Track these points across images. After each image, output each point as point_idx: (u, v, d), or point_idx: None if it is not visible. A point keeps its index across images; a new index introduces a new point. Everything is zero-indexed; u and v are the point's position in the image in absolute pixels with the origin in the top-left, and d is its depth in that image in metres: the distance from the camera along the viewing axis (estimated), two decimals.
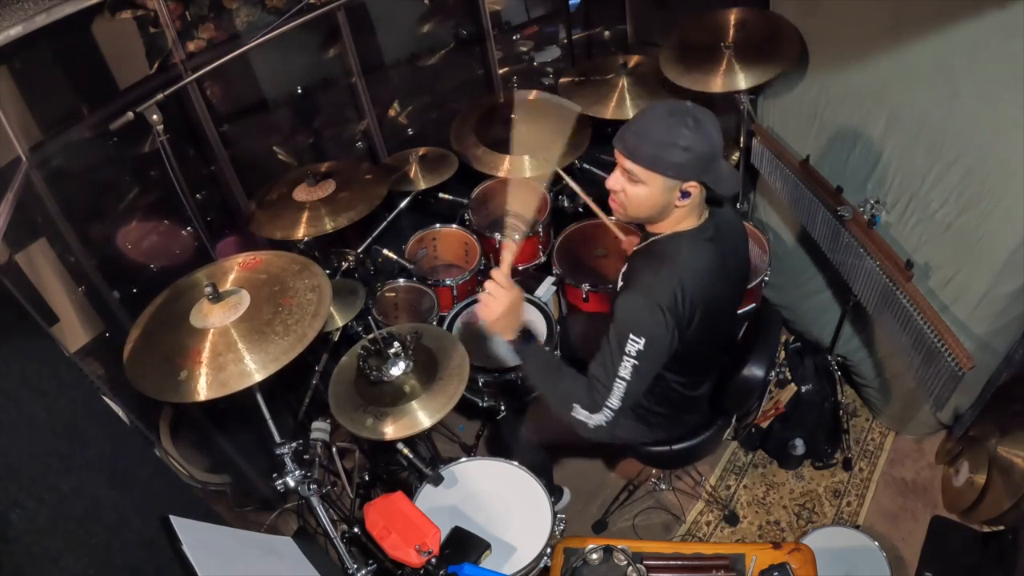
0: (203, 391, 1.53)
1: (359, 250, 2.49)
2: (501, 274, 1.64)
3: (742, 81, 2.36)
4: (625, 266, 1.71)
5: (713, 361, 1.87)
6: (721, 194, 1.57)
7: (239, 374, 1.55)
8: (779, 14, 2.47)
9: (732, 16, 2.52)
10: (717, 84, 2.38)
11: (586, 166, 2.96)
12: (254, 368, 1.56)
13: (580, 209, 2.94)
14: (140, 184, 2.46)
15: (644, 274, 1.57)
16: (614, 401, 1.55)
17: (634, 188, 1.53)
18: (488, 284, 1.64)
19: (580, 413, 1.60)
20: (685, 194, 1.51)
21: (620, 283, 1.69)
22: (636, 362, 1.51)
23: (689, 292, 1.52)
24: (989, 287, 2.01)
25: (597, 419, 1.59)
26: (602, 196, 2.29)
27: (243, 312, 1.66)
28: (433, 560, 1.58)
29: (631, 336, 1.50)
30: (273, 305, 1.67)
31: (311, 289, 1.71)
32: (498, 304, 1.62)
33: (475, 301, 2.56)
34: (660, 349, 1.53)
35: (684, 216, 1.58)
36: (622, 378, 1.53)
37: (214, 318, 1.64)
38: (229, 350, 1.58)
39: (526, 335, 1.68)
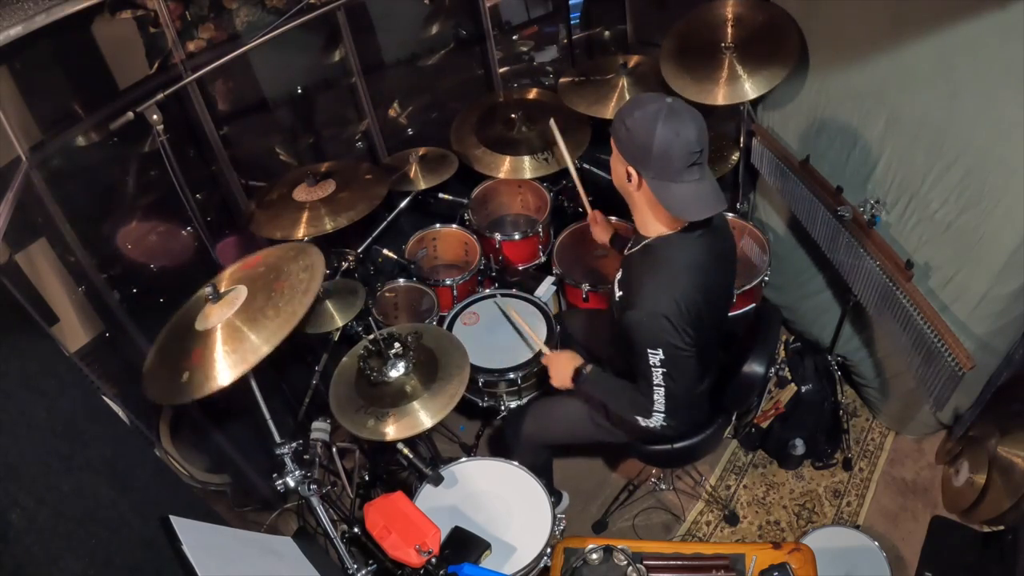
0: (202, 386, 1.53)
1: (359, 250, 2.49)
2: (548, 352, 2.05)
3: (747, 90, 2.32)
4: (620, 272, 1.74)
5: (711, 355, 1.88)
6: (668, 210, 1.54)
7: (234, 363, 1.54)
8: (776, 4, 2.44)
9: (728, 10, 2.48)
10: (720, 95, 2.33)
11: (586, 166, 2.96)
12: (250, 349, 1.55)
13: (580, 209, 2.94)
14: (140, 184, 2.46)
15: (642, 286, 1.61)
16: (659, 406, 1.68)
17: (612, 153, 1.62)
18: (547, 361, 2.01)
19: (641, 420, 1.75)
20: (629, 176, 1.57)
21: (618, 291, 1.72)
22: (664, 369, 1.61)
23: (689, 293, 1.57)
24: (989, 287, 2.01)
25: (652, 422, 1.73)
26: (600, 196, 2.32)
27: (240, 305, 1.66)
28: (433, 560, 1.59)
29: (649, 351, 1.59)
30: (267, 292, 1.66)
31: (304, 269, 1.70)
32: (557, 369, 1.95)
33: (474, 301, 2.57)
34: (680, 351, 1.60)
35: (653, 210, 1.61)
36: (659, 385, 1.65)
37: (214, 318, 1.64)
38: (224, 343, 1.58)
39: (578, 373, 1.90)
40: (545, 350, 2.09)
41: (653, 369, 1.61)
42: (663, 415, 1.69)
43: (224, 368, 1.53)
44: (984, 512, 2.24)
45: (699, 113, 1.50)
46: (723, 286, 1.77)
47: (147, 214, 2.47)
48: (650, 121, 1.46)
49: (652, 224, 1.65)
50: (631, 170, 1.55)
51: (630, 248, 1.76)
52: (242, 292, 1.69)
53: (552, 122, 2.29)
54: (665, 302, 1.55)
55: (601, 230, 2.24)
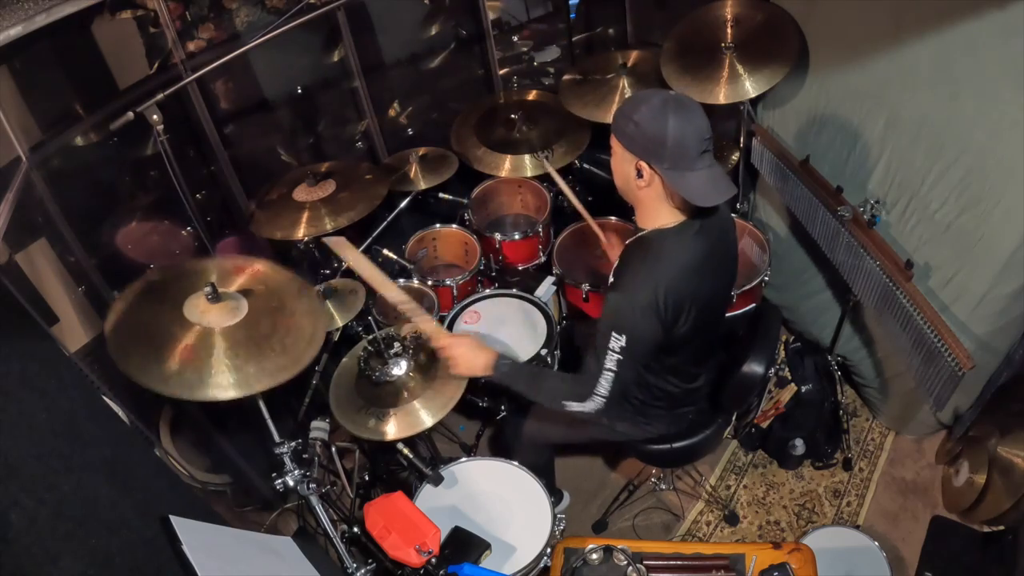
0: (195, 390, 1.51)
1: (359, 250, 2.49)
2: (440, 339, 1.81)
3: (748, 88, 2.31)
4: (617, 262, 1.74)
5: (707, 354, 1.89)
6: (689, 199, 1.54)
7: (236, 382, 1.53)
8: (776, 4, 2.44)
9: (728, 10, 2.48)
10: (722, 95, 2.33)
11: (585, 166, 2.96)
12: (255, 377, 1.54)
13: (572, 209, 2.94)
14: (140, 184, 2.46)
15: (628, 273, 1.62)
16: (603, 390, 1.65)
17: (612, 155, 1.63)
18: (442, 352, 1.81)
19: (573, 406, 1.71)
20: (639, 173, 1.56)
21: (611, 278, 1.72)
22: (620, 357, 1.60)
23: (673, 291, 1.57)
24: (989, 287, 2.01)
25: (589, 407, 1.69)
26: (600, 196, 2.31)
27: (241, 319, 1.64)
28: (433, 560, 1.59)
29: (613, 333, 1.58)
30: (271, 321, 1.66)
31: (306, 313, 1.70)
32: (462, 356, 1.77)
33: (475, 301, 2.57)
34: (642, 344, 1.61)
35: (658, 206, 1.61)
36: (609, 370, 1.62)
37: (210, 317, 1.63)
38: (226, 357, 1.57)
39: (498, 363, 1.77)
40: (442, 338, 1.82)
41: (610, 352, 1.60)
42: (604, 400, 1.66)
43: (225, 384, 1.52)
44: (984, 512, 2.24)
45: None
46: (717, 288, 1.76)
47: (147, 214, 2.47)
48: (659, 113, 1.47)
49: (655, 219, 1.65)
50: (642, 166, 1.54)
51: (630, 240, 1.76)
52: (243, 305, 1.68)
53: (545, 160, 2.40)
54: (644, 293, 1.56)
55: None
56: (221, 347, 1.57)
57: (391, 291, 1.81)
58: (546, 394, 1.76)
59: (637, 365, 1.65)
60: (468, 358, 1.78)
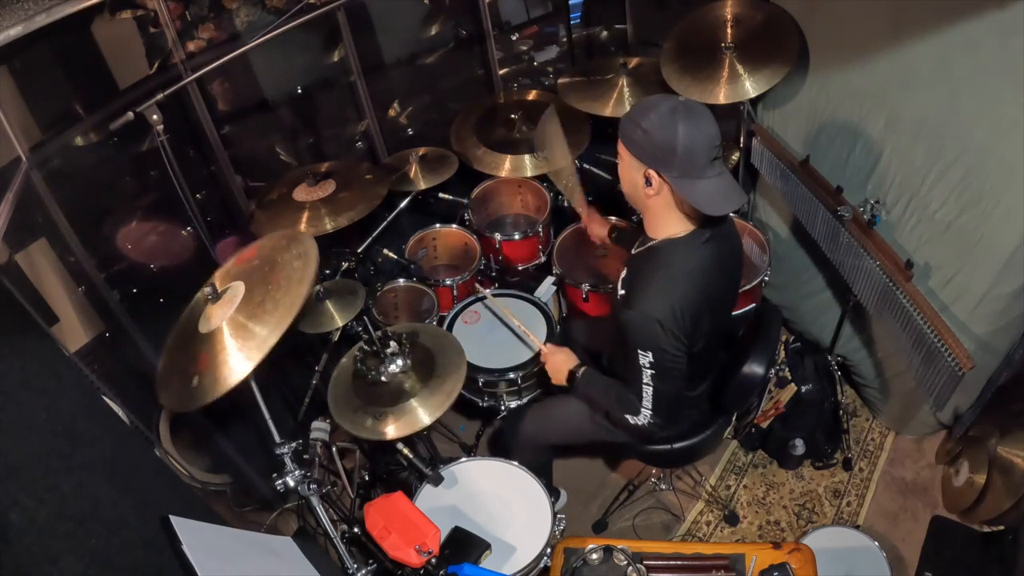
0: (212, 390, 1.50)
1: (359, 250, 2.49)
2: (546, 347, 2.05)
3: (748, 88, 2.31)
4: (624, 271, 1.74)
5: (711, 359, 1.89)
6: (699, 208, 1.52)
7: (239, 361, 1.51)
8: (776, 4, 2.43)
9: (728, 10, 2.48)
10: (722, 95, 2.32)
11: (586, 166, 2.96)
12: (255, 345, 1.51)
13: (567, 203, 2.94)
14: (140, 184, 2.46)
15: (641, 288, 1.61)
16: (647, 403, 1.70)
17: (619, 161, 1.62)
18: (545, 359, 2.02)
19: (630, 418, 1.76)
20: (648, 181, 1.54)
21: (620, 290, 1.72)
22: (653, 371, 1.63)
23: (687, 302, 1.57)
24: (989, 287, 2.01)
25: (640, 420, 1.74)
26: (600, 196, 2.32)
27: (239, 302, 1.64)
28: (433, 560, 1.59)
29: (639, 351, 1.60)
30: (264, 286, 1.62)
31: (297, 257, 1.65)
32: (555, 368, 1.97)
33: (475, 301, 2.57)
34: (671, 355, 1.60)
35: (667, 214, 1.60)
36: (647, 384, 1.66)
37: (216, 318, 1.63)
38: (228, 343, 1.57)
39: (574, 373, 1.92)
40: (543, 348, 2.08)
41: (643, 369, 1.62)
42: (651, 412, 1.71)
43: (231, 368, 1.51)
44: (984, 512, 2.24)
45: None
46: (726, 291, 1.77)
47: (147, 214, 2.47)
48: (669, 120, 1.45)
49: (663, 227, 1.63)
50: (651, 173, 1.52)
51: (637, 248, 1.75)
52: (239, 289, 1.67)
53: (552, 111, 2.31)
54: (661, 307, 1.55)
55: (598, 226, 2.24)
56: (227, 336, 1.57)
57: (514, 321, 2.32)
58: (613, 404, 1.83)
59: (672, 377, 1.65)
60: (558, 367, 1.96)
